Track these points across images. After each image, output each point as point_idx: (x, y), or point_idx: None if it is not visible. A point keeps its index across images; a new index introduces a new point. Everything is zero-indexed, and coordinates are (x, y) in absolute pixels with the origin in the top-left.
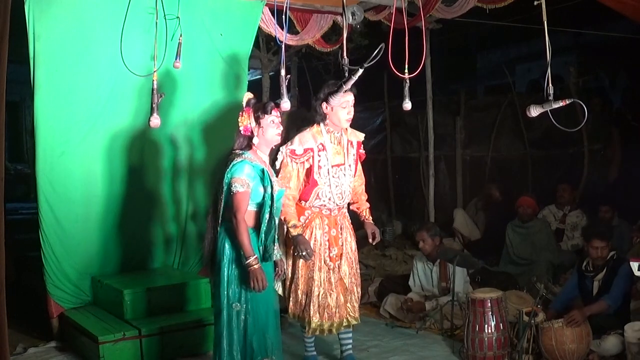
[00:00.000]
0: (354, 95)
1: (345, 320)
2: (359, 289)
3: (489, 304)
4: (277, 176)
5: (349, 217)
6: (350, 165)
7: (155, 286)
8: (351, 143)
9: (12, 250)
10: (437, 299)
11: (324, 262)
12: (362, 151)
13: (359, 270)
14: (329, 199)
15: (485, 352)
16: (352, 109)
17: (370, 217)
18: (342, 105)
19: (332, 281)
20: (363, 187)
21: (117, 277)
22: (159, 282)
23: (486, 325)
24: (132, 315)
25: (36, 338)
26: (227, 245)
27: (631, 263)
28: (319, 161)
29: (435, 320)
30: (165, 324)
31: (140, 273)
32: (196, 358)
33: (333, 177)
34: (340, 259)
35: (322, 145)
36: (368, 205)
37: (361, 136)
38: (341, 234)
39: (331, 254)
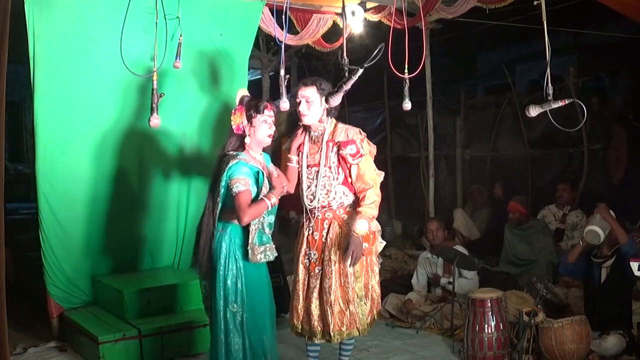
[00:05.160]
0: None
1: (319, 333)
2: (351, 307)
3: (489, 304)
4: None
5: (345, 223)
6: (330, 167)
7: (155, 286)
8: (334, 143)
9: (12, 250)
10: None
11: (302, 264)
12: (346, 152)
13: (355, 288)
14: (303, 199)
15: (485, 352)
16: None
17: (359, 231)
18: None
19: (310, 286)
20: (366, 192)
21: (117, 277)
22: (159, 282)
23: (486, 325)
24: (132, 315)
25: (36, 338)
26: (223, 245)
27: (631, 263)
28: (300, 160)
29: (435, 320)
30: (165, 324)
31: (141, 273)
32: (196, 358)
33: (307, 177)
34: (321, 265)
35: (302, 145)
36: (364, 214)
37: (352, 134)
38: (325, 239)
39: (311, 258)
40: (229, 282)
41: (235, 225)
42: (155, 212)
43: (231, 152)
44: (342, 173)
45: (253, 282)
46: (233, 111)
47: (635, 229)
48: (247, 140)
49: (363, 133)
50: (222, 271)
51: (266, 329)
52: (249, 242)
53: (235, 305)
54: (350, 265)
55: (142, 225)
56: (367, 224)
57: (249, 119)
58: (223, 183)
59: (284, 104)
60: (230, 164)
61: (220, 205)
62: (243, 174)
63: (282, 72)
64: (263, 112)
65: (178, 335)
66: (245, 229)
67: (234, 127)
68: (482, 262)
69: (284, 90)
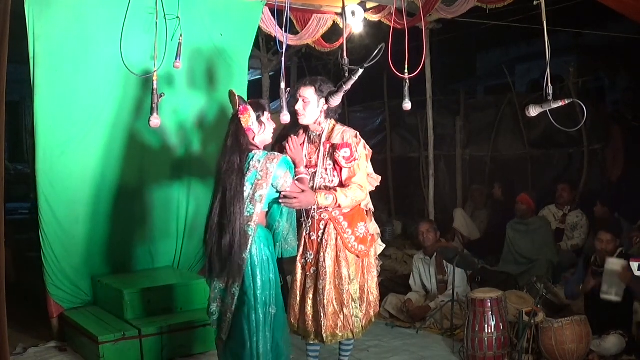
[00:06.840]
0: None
1: (312, 333)
2: (345, 310)
3: (489, 304)
4: None
5: (343, 227)
6: (326, 169)
7: (155, 286)
8: (331, 145)
9: (12, 250)
10: (438, 298)
11: (300, 263)
12: (340, 154)
13: (350, 290)
14: None
15: (485, 352)
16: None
17: (319, 198)
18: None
19: (306, 286)
20: (352, 185)
21: (117, 277)
22: (159, 282)
23: (486, 325)
24: (132, 315)
25: (36, 338)
26: (257, 249)
27: (631, 263)
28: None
29: (435, 320)
30: (165, 324)
31: (140, 273)
32: (196, 358)
33: (306, 177)
34: (316, 267)
35: (302, 145)
36: (336, 193)
37: (347, 137)
38: (320, 241)
39: (307, 258)
40: (268, 284)
41: (262, 227)
42: (155, 212)
43: (258, 151)
44: (338, 176)
45: (276, 281)
46: (240, 111)
47: (635, 229)
48: (257, 139)
49: (359, 137)
50: (260, 275)
51: (285, 326)
52: (291, 238)
53: (274, 307)
54: (280, 198)
55: (142, 225)
56: (331, 201)
57: (258, 118)
58: (277, 178)
59: (285, 117)
60: (276, 163)
61: (262, 207)
62: (287, 168)
63: (282, 85)
64: (269, 111)
65: (178, 335)
66: (269, 230)
67: (245, 126)
68: (482, 262)
69: (284, 103)
